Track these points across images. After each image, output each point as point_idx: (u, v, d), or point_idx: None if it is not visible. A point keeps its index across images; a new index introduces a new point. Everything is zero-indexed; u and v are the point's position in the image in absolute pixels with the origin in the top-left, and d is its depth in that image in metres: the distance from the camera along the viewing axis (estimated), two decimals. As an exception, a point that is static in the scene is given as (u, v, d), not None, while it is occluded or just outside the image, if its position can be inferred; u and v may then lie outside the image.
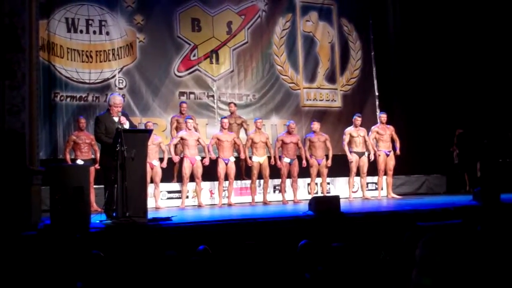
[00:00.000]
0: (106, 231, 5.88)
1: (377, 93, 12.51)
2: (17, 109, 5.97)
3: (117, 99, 6.87)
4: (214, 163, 9.51)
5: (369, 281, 3.36)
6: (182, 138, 9.29)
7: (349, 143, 10.14)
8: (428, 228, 4.81)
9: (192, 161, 9.27)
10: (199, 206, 9.42)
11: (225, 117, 9.96)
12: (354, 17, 12.60)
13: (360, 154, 10.13)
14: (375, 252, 4.08)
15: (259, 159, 9.68)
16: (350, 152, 10.10)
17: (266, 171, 9.75)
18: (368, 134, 10.24)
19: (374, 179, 10.76)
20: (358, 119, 10.20)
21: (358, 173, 10.25)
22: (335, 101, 12.27)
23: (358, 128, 10.17)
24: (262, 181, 9.91)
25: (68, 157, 9.10)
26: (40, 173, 6.36)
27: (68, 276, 4.24)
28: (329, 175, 10.35)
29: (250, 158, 9.74)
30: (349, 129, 10.18)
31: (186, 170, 9.25)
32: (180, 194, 9.63)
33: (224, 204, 9.56)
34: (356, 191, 10.56)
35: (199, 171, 9.31)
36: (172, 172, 9.91)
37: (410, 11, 12.54)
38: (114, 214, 6.44)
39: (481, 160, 11.22)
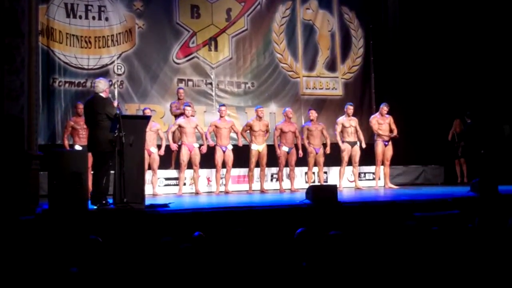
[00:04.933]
0: (103, 216, 5.90)
1: (374, 82, 12.50)
2: (16, 94, 5.97)
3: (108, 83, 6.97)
4: (212, 150, 9.51)
5: (366, 269, 3.38)
6: (180, 126, 9.29)
7: (341, 133, 10.15)
8: (425, 219, 4.84)
9: (190, 149, 9.27)
10: (197, 193, 9.44)
11: (223, 105, 9.94)
12: (355, 5, 12.55)
13: (352, 144, 10.13)
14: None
15: (258, 147, 9.68)
16: (343, 142, 10.12)
17: (264, 160, 9.74)
18: (369, 123, 10.30)
19: (372, 169, 10.79)
20: (350, 108, 10.19)
21: (350, 163, 10.27)
22: (336, 89, 12.25)
23: (350, 117, 10.17)
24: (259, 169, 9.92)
25: (66, 142, 9.09)
26: (38, 158, 6.36)
27: (64, 260, 4.26)
28: (325, 164, 10.35)
29: (250, 144, 9.73)
30: (342, 119, 10.19)
31: (184, 157, 9.25)
32: (177, 181, 9.64)
33: (221, 191, 9.58)
34: (353, 181, 10.59)
35: (196, 158, 9.31)
36: (170, 159, 9.92)
37: (410, 0, 12.51)
38: (110, 200, 6.47)
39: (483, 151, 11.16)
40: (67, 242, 4.83)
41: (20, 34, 6.01)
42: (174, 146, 9.37)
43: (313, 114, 10.10)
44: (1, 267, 4.04)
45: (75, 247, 4.31)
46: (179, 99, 10.06)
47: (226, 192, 9.56)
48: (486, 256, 3.34)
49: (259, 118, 9.75)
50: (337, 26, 12.33)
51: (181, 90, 10.17)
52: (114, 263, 4.01)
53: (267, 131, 9.83)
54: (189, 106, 9.45)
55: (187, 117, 9.30)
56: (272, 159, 9.88)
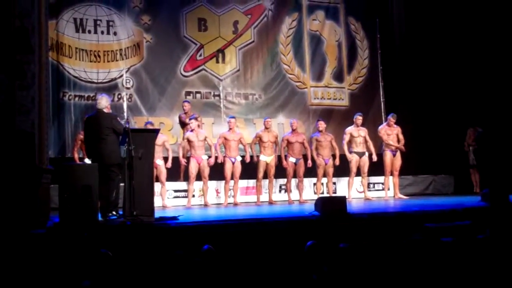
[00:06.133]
0: (113, 229, 5.92)
1: (383, 93, 12.50)
2: (26, 109, 6.04)
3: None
4: (220, 162, 9.53)
5: (377, 282, 3.37)
6: (188, 140, 9.30)
7: (350, 143, 10.15)
8: (436, 230, 4.82)
9: (199, 161, 9.29)
10: (205, 205, 9.45)
11: (233, 117, 9.95)
12: (361, 16, 12.59)
13: (361, 154, 10.13)
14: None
15: (266, 158, 9.69)
16: (351, 152, 10.12)
17: (272, 171, 9.75)
18: (377, 134, 10.30)
19: (381, 179, 10.75)
20: (359, 118, 10.21)
21: (359, 173, 10.24)
22: (342, 99, 12.27)
23: (359, 127, 10.18)
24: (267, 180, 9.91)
25: (76, 156, 9.15)
26: (49, 172, 6.41)
27: (75, 274, 4.27)
28: (334, 175, 10.34)
29: (258, 156, 9.74)
30: (350, 129, 10.19)
31: (193, 169, 9.27)
32: (186, 193, 9.66)
33: (230, 203, 9.58)
34: (362, 191, 10.56)
35: (205, 170, 9.32)
36: (178, 171, 9.95)
37: (416, 9, 12.51)
38: (120, 213, 6.51)
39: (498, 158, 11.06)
40: (78, 255, 4.85)
41: (31, 50, 6.09)
42: (183, 161, 9.39)
43: (322, 125, 10.11)
44: (13, 281, 4.06)
45: (86, 261, 4.32)
46: (185, 113, 10.08)
47: (235, 204, 9.56)
48: (498, 267, 3.33)
49: (267, 129, 9.78)
50: (343, 36, 12.39)
51: (185, 103, 10.16)
52: (124, 276, 4.03)
53: (275, 142, 9.84)
54: (195, 119, 9.42)
55: (194, 130, 9.30)
56: (281, 170, 9.88)
